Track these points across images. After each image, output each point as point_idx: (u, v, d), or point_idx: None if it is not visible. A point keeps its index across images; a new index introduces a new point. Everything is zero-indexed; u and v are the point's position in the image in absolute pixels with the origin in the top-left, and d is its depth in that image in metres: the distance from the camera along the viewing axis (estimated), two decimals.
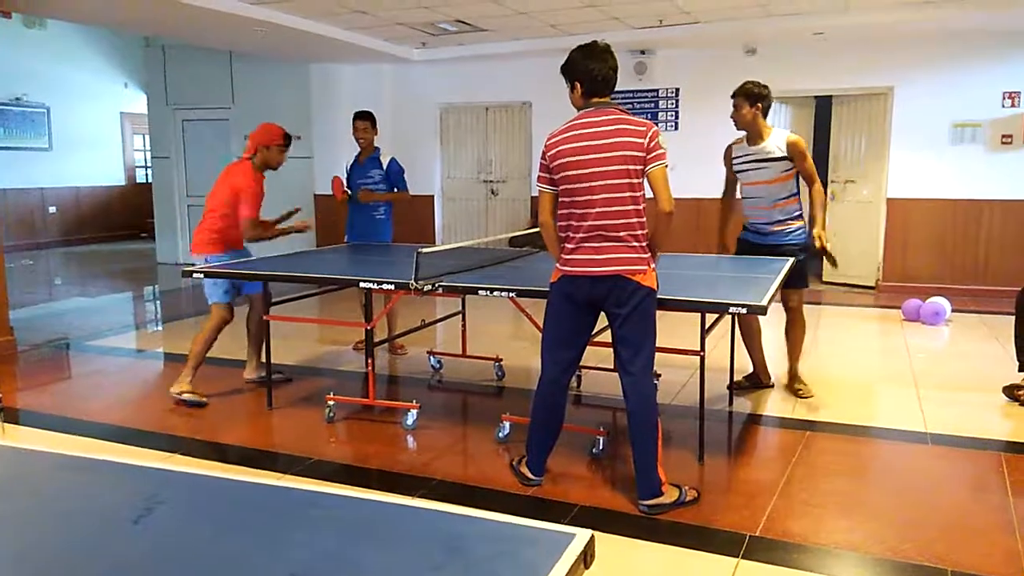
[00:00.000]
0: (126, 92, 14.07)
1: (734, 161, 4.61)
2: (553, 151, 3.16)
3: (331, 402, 4.34)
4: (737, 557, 2.81)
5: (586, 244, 3.15)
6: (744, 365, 4.82)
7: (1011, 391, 4.56)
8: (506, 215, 10.25)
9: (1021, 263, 7.92)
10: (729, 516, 3.16)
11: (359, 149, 5.96)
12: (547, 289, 3.37)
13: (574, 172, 3.12)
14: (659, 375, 4.72)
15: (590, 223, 3.12)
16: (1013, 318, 4.67)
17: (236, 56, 10.38)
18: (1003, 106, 7.99)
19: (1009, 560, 2.79)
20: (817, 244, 4.41)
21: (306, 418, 4.45)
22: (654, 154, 3.07)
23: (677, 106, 9.14)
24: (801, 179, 4.48)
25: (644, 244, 3.16)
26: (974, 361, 5.69)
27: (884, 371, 5.49)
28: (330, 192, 6.11)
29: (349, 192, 5.91)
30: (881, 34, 8.07)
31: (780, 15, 7.62)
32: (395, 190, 5.90)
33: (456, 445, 4.18)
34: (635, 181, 3.10)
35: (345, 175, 6.01)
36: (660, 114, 9.23)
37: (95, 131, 13.73)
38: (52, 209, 13.26)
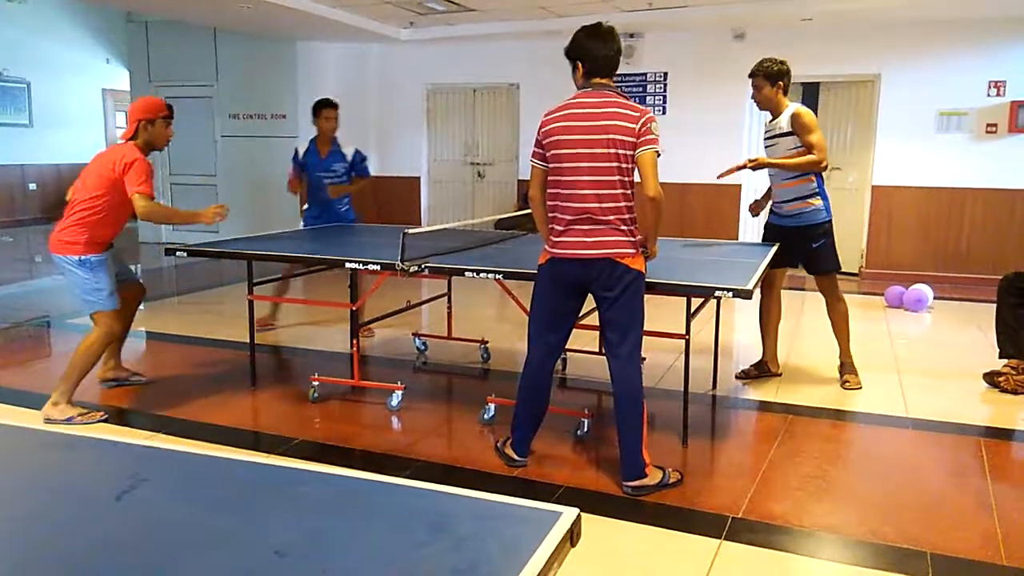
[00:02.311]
0: (108, 68, 13.85)
1: (764, 140, 4.62)
2: (546, 128, 3.17)
3: (315, 382, 4.33)
4: (720, 538, 2.84)
5: (575, 227, 3.14)
6: (747, 354, 4.81)
7: (991, 377, 4.61)
8: (493, 198, 10.21)
9: (1003, 251, 8.00)
10: (712, 498, 3.19)
11: (318, 136, 5.80)
12: (534, 272, 3.36)
13: (564, 151, 3.12)
14: (644, 358, 4.73)
15: (577, 205, 3.11)
16: (994, 306, 4.71)
17: (220, 33, 10.24)
18: (989, 95, 8.03)
19: (987, 542, 2.83)
20: (748, 162, 4.36)
21: (290, 398, 4.43)
22: (644, 139, 3.06)
23: (665, 90, 9.12)
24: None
25: (633, 228, 3.15)
26: (955, 348, 5.75)
27: (866, 357, 5.52)
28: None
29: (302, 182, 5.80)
30: (869, 21, 8.07)
31: (769, 0, 7.60)
32: (352, 176, 5.83)
33: (441, 426, 4.18)
34: (624, 166, 3.08)
35: (295, 164, 5.81)
36: (648, 98, 9.20)
37: (76, 107, 13.51)
38: (32, 186, 13.07)
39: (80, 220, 3.98)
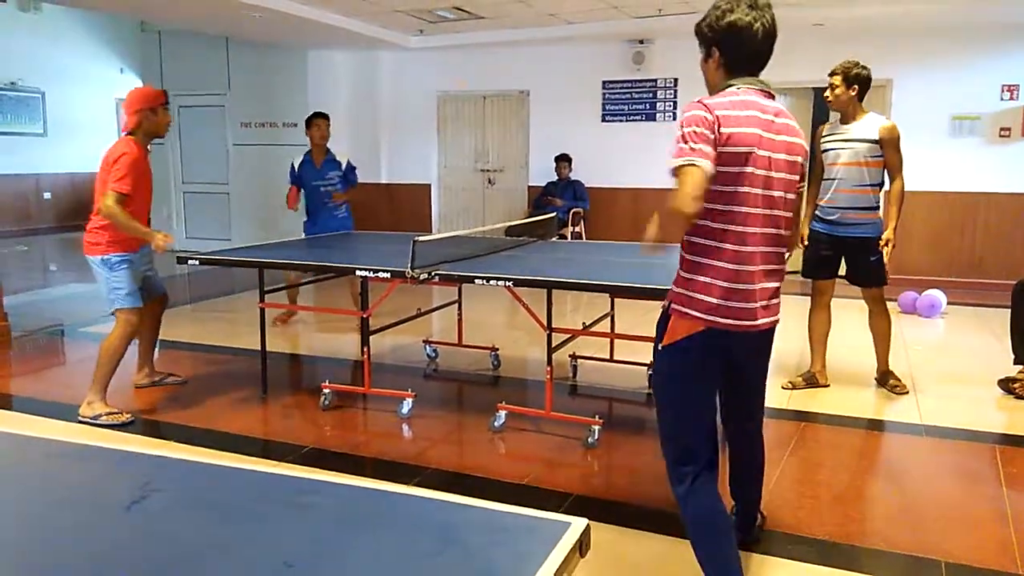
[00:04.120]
0: (122, 78, 13.97)
1: (823, 141, 4.49)
2: (729, 127, 2.17)
3: (326, 390, 4.33)
4: None
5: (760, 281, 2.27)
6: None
7: (1006, 384, 4.57)
8: (503, 205, 10.22)
9: (1017, 256, 7.93)
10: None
11: (312, 147, 6.18)
12: (545, 278, 3.30)
13: (759, 170, 2.21)
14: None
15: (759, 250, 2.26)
16: (1008, 311, 4.67)
17: (232, 42, 10.32)
18: (1002, 99, 7.99)
19: (1002, 551, 2.80)
20: (883, 246, 4.31)
21: (301, 406, 4.44)
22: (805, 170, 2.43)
23: (676, 96, 9.12)
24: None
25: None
26: (970, 354, 5.70)
27: None
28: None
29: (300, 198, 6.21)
30: (881, 26, 8.04)
31: (781, 5, 7.45)
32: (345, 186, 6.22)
33: (451, 434, 4.18)
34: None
35: (292, 176, 6.18)
36: (659, 104, 9.21)
37: (90, 117, 13.64)
38: (47, 195, 13.20)
39: (98, 222, 4.09)
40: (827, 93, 4.43)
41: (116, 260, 4.08)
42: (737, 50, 2.27)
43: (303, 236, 6.14)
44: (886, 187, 4.46)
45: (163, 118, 4.23)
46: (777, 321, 2.38)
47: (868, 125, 4.36)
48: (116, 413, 4.09)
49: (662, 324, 2.35)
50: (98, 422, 4.02)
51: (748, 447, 2.71)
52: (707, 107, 2.17)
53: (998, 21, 7.73)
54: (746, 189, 2.20)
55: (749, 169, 2.19)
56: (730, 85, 2.28)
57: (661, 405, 2.45)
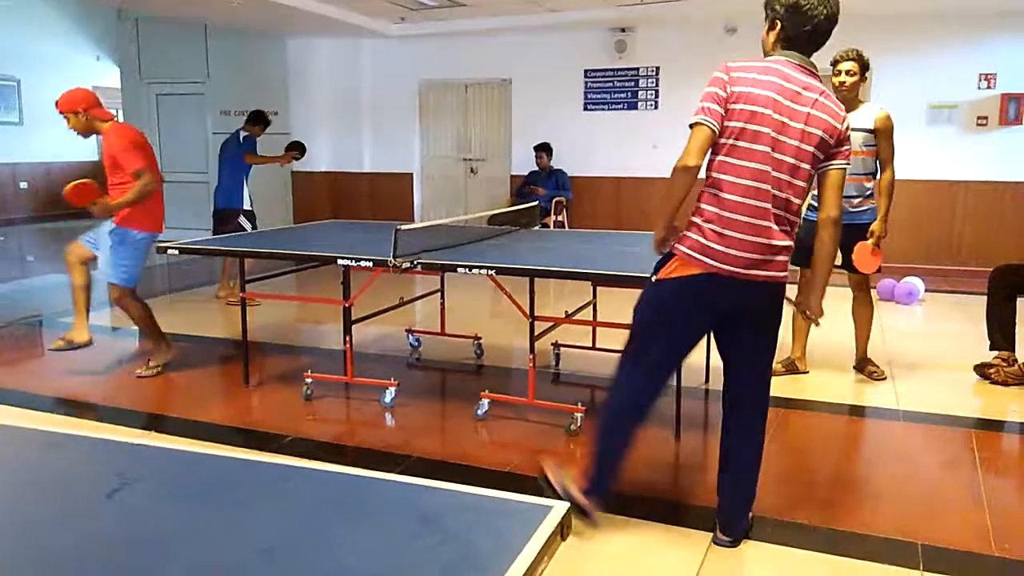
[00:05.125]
0: (98, 66, 13.78)
1: None
2: (741, 86, 2.40)
3: (309, 379, 4.32)
4: (712, 532, 2.84)
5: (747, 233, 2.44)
6: None
7: (982, 369, 4.63)
8: (485, 193, 10.20)
9: (994, 244, 8.02)
10: (704, 492, 3.19)
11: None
12: (525, 267, 3.31)
13: (765, 128, 2.40)
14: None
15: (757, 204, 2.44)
16: (985, 298, 4.73)
17: (211, 29, 10.20)
18: (979, 88, 8.05)
19: (978, 534, 2.85)
20: (870, 238, 4.31)
21: (283, 396, 4.42)
22: (845, 148, 2.50)
23: (657, 85, 9.12)
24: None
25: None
26: (946, 340, 5.77)
27: None
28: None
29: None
30: (859, 14, 8.04)
31: None
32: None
33: (435, 423, 4.18)
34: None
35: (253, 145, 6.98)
36: (640, 93, 9.20)
37: None
38: (23, 184, 13.00)
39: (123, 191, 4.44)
40: (837, 80, 4.29)
41: (139, 237, 4.43)
42: (796, 28, 2.44)
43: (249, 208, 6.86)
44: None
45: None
46: (773, 280, 2.49)
47: (864, 114, 4.34)
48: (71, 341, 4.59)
49: (662, 263, 2.56)
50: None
51: (747, 441, 2.73)
52: (726, 68, 2.43)
53: (976, 10, 7.79)
54: (746, 144, 2.39)
55: (752, 127, 2.38)
56: (772, 54, 2.49)
57: (634, 328, 2.66)
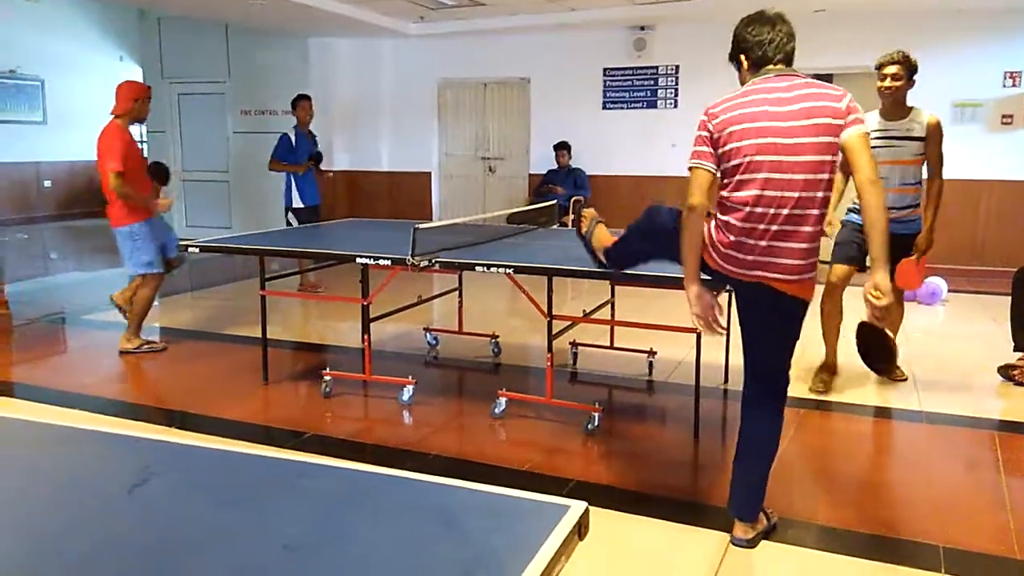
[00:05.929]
0: (121, 65, 13.92)
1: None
2: (727, 125, 2.53)
3: (327, 377, 4.34)
4: (729, 532, 2.83)
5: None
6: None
7: (1006, 371, 4.57)
8: (504, 192, 10.20)
9: (1019, 243, 7.92)
10: (722, 492, 3.16)
11: (299, 125, 7.17)
12: (545, 266, 3.31)
13: (764, 156, 2.51)
14: (655, 352, 4.73)
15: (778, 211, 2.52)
16: (1009, 298, 4.67)
17: (232, 29, 10.27)
18: (1004, 86, 7.95)
19: (1000, 536, 2.81)
20: (914, 252, 4.13)
21: (302, 393, 4.45)
22: (853, 117, 2.50)
23: (677, 83, 9.07)
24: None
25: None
26: (970, 341, 5.71)
27: None
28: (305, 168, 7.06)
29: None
30: (881, 11, 8.00)
31: None
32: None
33: (452, 421, 4.19)
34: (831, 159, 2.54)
35: (290, 148, 7.07)
36: (660, 91, 9.16)
37: (90, 104, 13.50)
38: (47, 183, 13.18)
39: (113, 198, 4.88)
40: (883, 85, 4.09)
41: (139, 228, 4.87)
42: (761, 55, 2.63)
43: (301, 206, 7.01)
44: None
45: (147, 108, 5.07)
46: (779, 282, 2.57)
47: (917, 120, 4.12)
48: (153, 342, 5.12)
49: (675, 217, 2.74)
50: (141, 351, 5.04)
51: (764, 428, 2.82)
52: (706, 114, 2.60)
53: (1000, 7, 7.69)
54: (749, 176, 2.52)
55: (747, 159, 2.51)
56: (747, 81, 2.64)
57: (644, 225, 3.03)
